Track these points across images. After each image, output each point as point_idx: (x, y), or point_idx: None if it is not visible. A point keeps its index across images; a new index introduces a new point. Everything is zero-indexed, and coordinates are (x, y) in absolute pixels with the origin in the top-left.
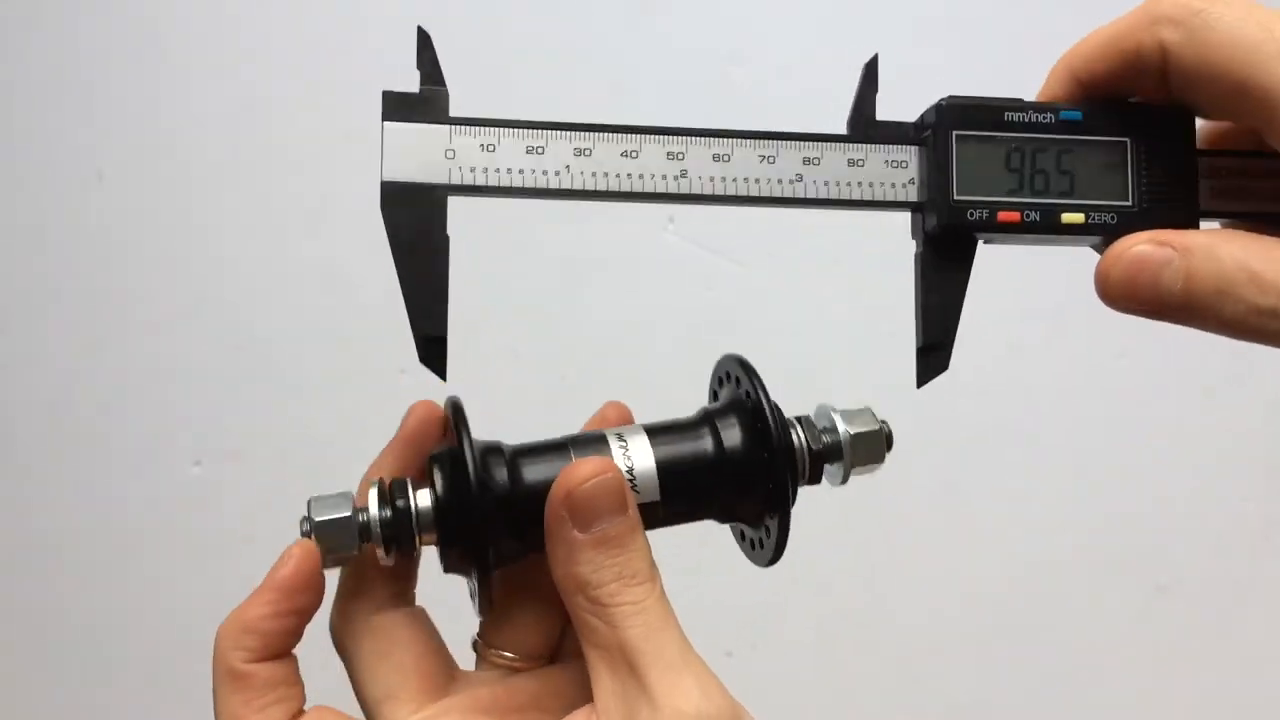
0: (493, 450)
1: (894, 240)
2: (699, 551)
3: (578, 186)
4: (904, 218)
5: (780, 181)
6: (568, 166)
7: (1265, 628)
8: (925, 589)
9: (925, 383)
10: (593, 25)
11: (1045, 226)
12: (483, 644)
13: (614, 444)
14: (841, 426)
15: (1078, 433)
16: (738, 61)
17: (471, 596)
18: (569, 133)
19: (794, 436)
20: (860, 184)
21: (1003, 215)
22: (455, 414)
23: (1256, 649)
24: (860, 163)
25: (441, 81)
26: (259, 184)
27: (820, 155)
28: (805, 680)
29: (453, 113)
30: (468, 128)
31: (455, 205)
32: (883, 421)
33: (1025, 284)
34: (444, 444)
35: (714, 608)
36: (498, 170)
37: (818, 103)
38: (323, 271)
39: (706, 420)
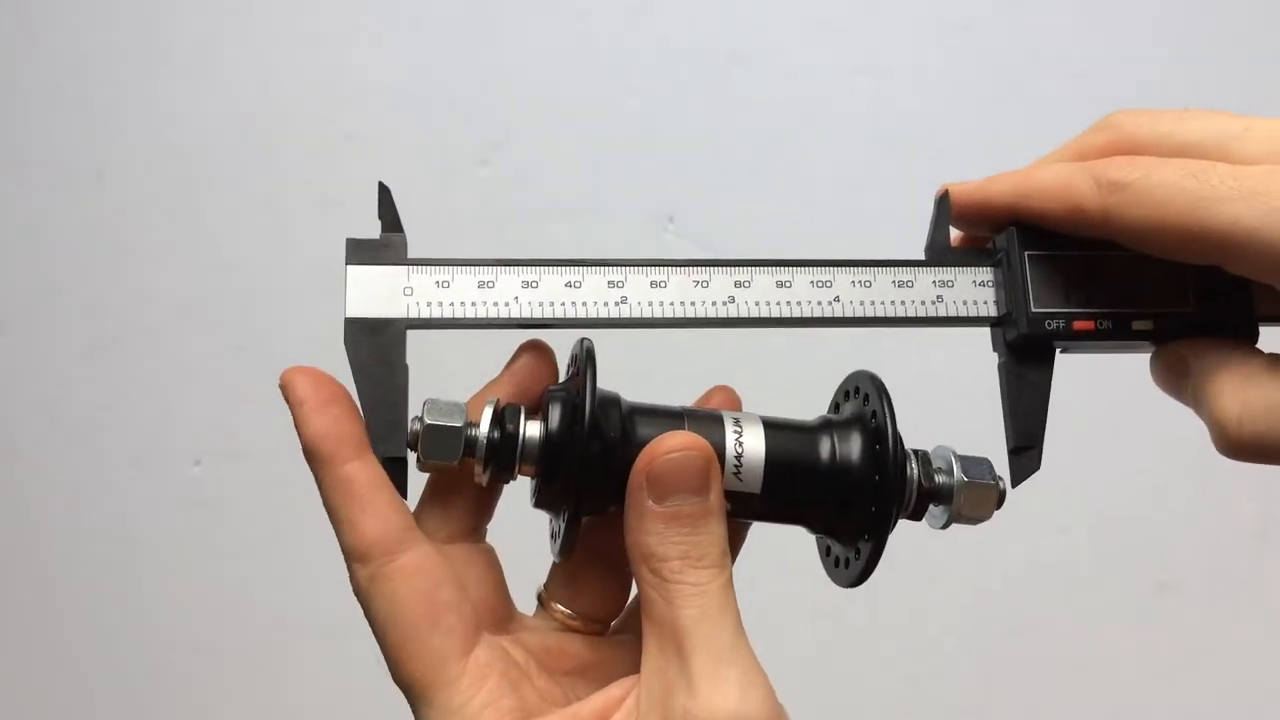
0: (611, 401)
1: (894, 241)
2: None
3: (526, 315)
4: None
5: (867, 302)
6: (516, 298)
7: (1265, 628)
8: (925, 589)
9: (1020, 482)
10: (593, 24)
11: (1119, 334)
12: (546, 595)
13: (729, 426)
14: (958, 472)
15: (1078, 433)
16: (740, 62)
17: (553, 538)
18: (517, 267)
19: (909, 468)
20: (948, 302)
21: (1078, 324)
22: (587, 356)
23: (1256, 649)
24: (950, 284)
25: (399, 228)
26: (259, 184)
27: (913, 279)
28: (805, 681)
29: (412, 250)
30: (425, 267)
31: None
32: (999, 478)
33: None
34: (563, 384)
35: None
36: (452, 304)
37: (818, 108)
38: (323, 271)
39: (826, 428)
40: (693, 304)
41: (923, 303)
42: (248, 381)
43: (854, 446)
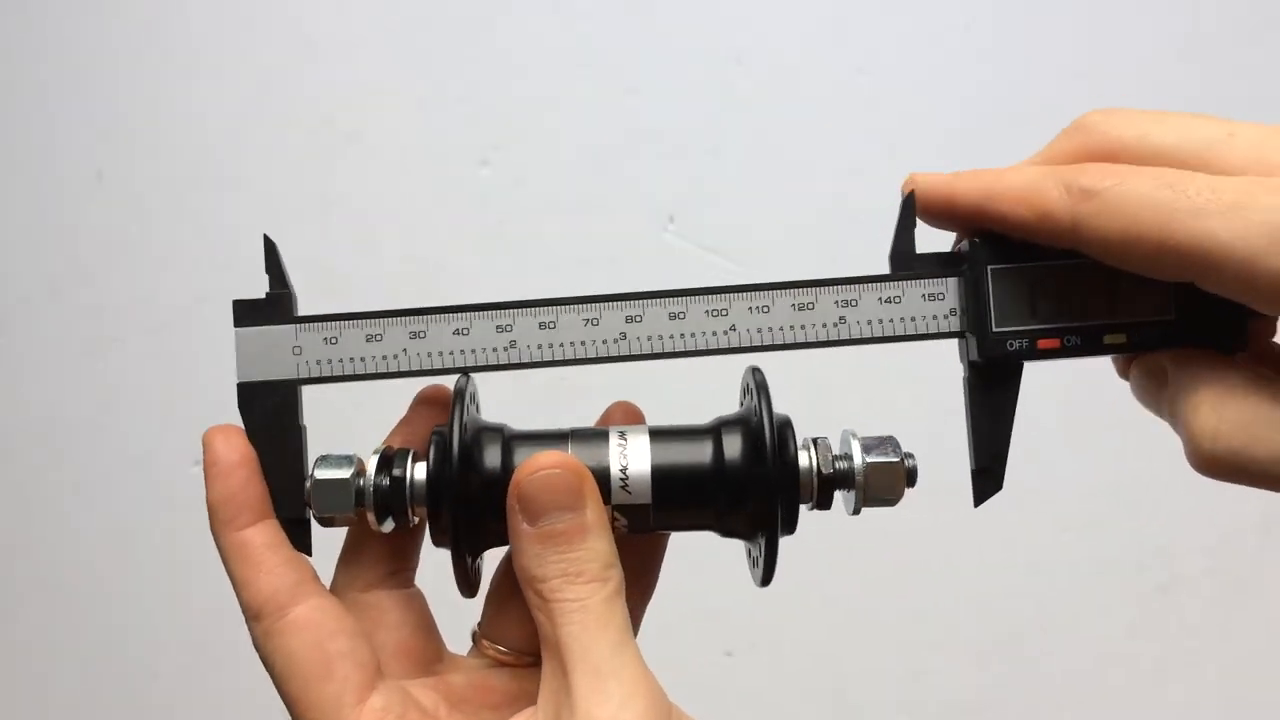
0: (490, 430)
1: (890, 242)
2: (699, 552)
3: (415, 367)
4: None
5: (820, 326)
6: (405, 350)
7: (1265, 628)
8: (924, 588)
9: (982, 502)
10: (593, 24)
11: (1088, 349)
12: (479, 632)
13: (614, 441)
14: (858, 455)
15: (1078, 432)
16: (740, 62)
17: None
18: (404, 318)
19: (803, 457)
20: (902, 319)
21: (1043, 343)
22: (455, 392)
23: (1256, 649)
24: (897, 300)
25: (286, 285)
26: (259, 184)
27: (858, 298)
28: (805, 680)
29: (300, 306)
30: (313, 324)
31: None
32: (906, 455)
33: None
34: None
35: (714, 608)
36: (341, 360)
37: (818, 108)
38: (323, 271)
39: (714, 430)
40: (583, 343)
41: (879, 321)
42: None
43: (738, 443)
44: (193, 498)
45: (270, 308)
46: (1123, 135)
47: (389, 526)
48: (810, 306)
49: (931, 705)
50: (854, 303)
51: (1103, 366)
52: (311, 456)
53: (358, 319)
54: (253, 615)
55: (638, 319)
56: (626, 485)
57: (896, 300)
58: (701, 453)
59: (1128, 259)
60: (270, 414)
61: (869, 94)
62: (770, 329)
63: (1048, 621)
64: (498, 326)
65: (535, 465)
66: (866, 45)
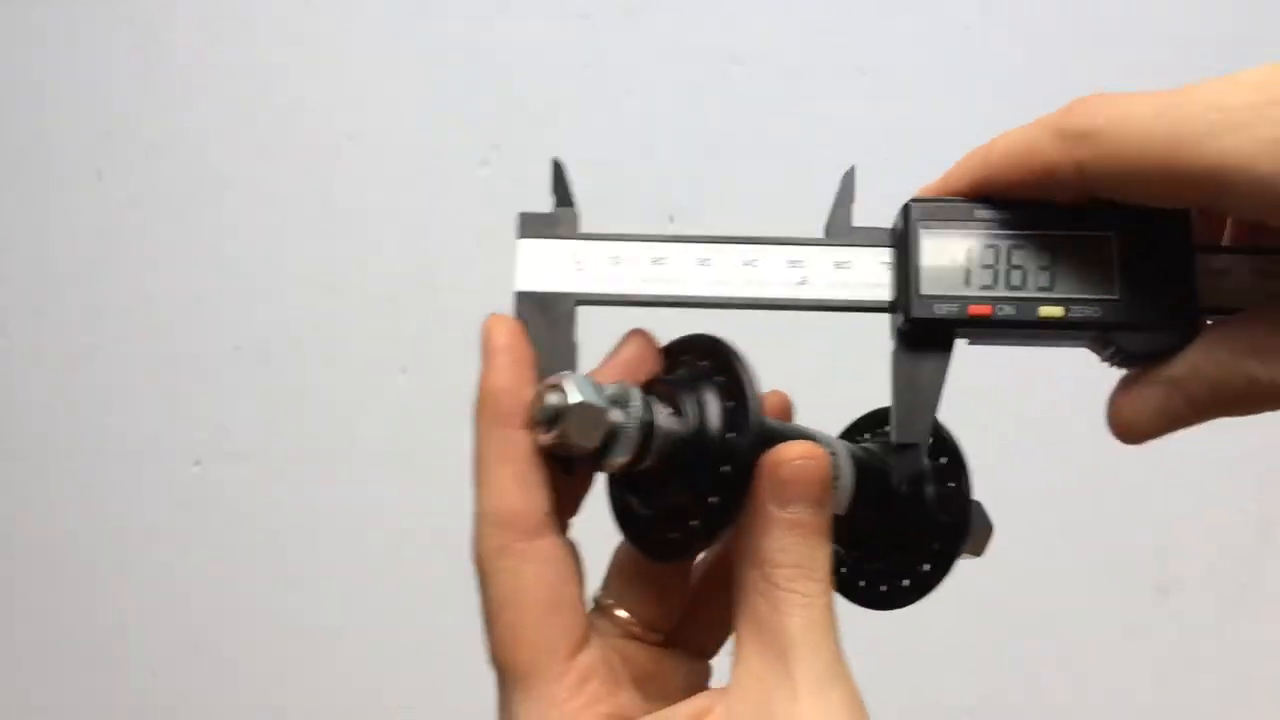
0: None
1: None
2: None
3: (700, 294)
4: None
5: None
6: (690, 276)
7: (1265, 628)
8: None
9: (901, 481)
10: (593, 24)
11: (1021, 321)
12: (604, 598)
13: (822, 443)
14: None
15: (1078, 432)
16: (740, 62)
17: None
18: (691, 244)
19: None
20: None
21: (973, 309)
22: (732, 352)
23: (1256, 649)
24: (848, 264)
25: (571, 203)
26: (259, 184)
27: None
28: None
29: (582, 228)
30: (596, 242)
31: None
32: (989, 521)
33: None
34: (685, 377)
35: None
36: (623, 280)
37: (818, 108)
38: (323, 271)
39: (919, 481)
40: (877, 285)
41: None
42: (248, 381)
43: (928, 487)
44: (193, 498)
45: (555, 223)
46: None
47: (619, 468)
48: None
49: (931, 705)
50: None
51: (1101, 368)
52: None
53: (645, 240)
54: (499, 524)
55: (800, 263)
56: (834, 491)
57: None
58: (889, 482)
59: (1143, 192)
60: (544, 328)
61: (869, 94)
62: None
63: (1048, 622)
64: (790, 261)
65: (796, 451)
66: (867, 45)
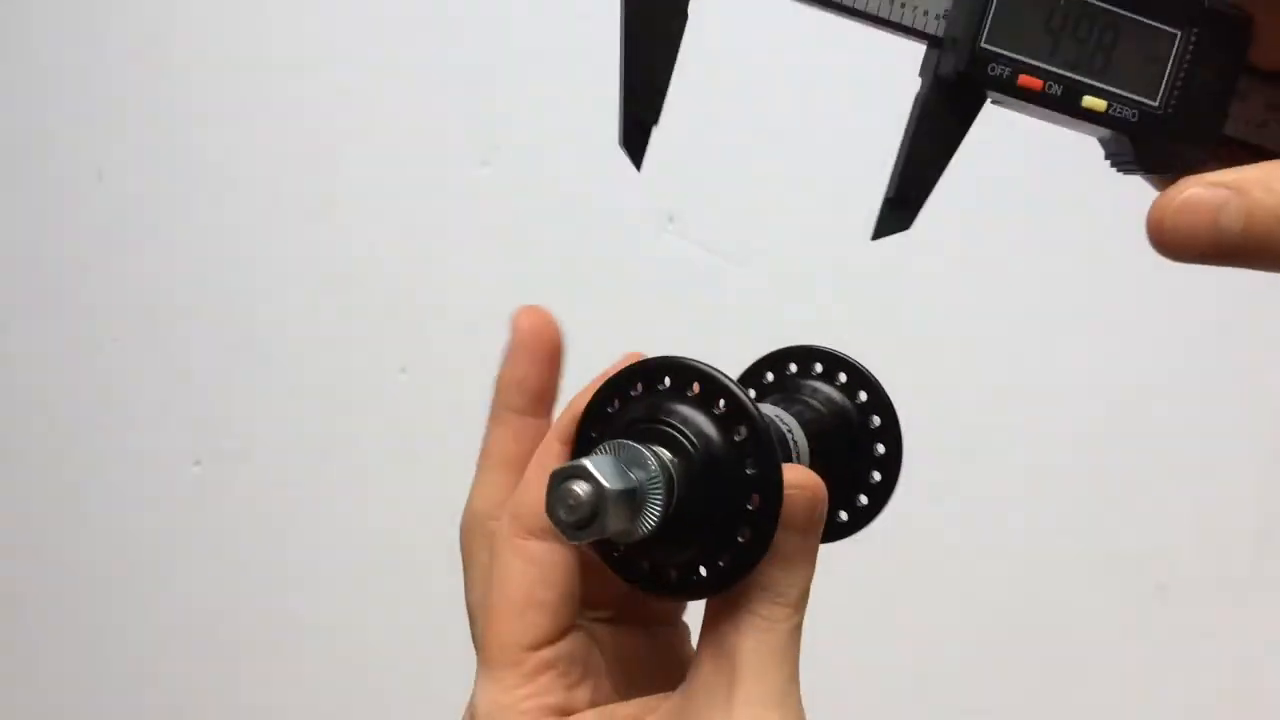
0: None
1: (893, 242)
2: None
3: (881, 13)
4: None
5: None
6: None
7: (1265, 628)
8: (924, 589)
9: (881, 236)
10: (593, 25)
11: (1063, 104)
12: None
13: (784, 427)
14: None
15: (1077, 433)
16: (739, 62)
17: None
18: None
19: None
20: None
21: (1024, 79)
22: (722, 378)
23: (1256, 649)
24: None
25: None
26: (259, 183)
27: None
28: (803, 681)
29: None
30: None
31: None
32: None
33: (1025, 284)
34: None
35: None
36: None
37: (818, 107)
38: (323, 271)
39: (847, 416)
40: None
41: None
42: (248, 381)
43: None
44: (193, 498)
45: None
46: None
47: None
48: None
49: (930, 705)
50: None
51: (1105, 365)
52: None
53: None
54: (489, 515)
55: None
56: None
57: None
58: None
59: None
60: (648, 26)
61: (869, 93)
62: None
63: (1047, 622)
64: None
65: (790, 480)
66: (867, 45)
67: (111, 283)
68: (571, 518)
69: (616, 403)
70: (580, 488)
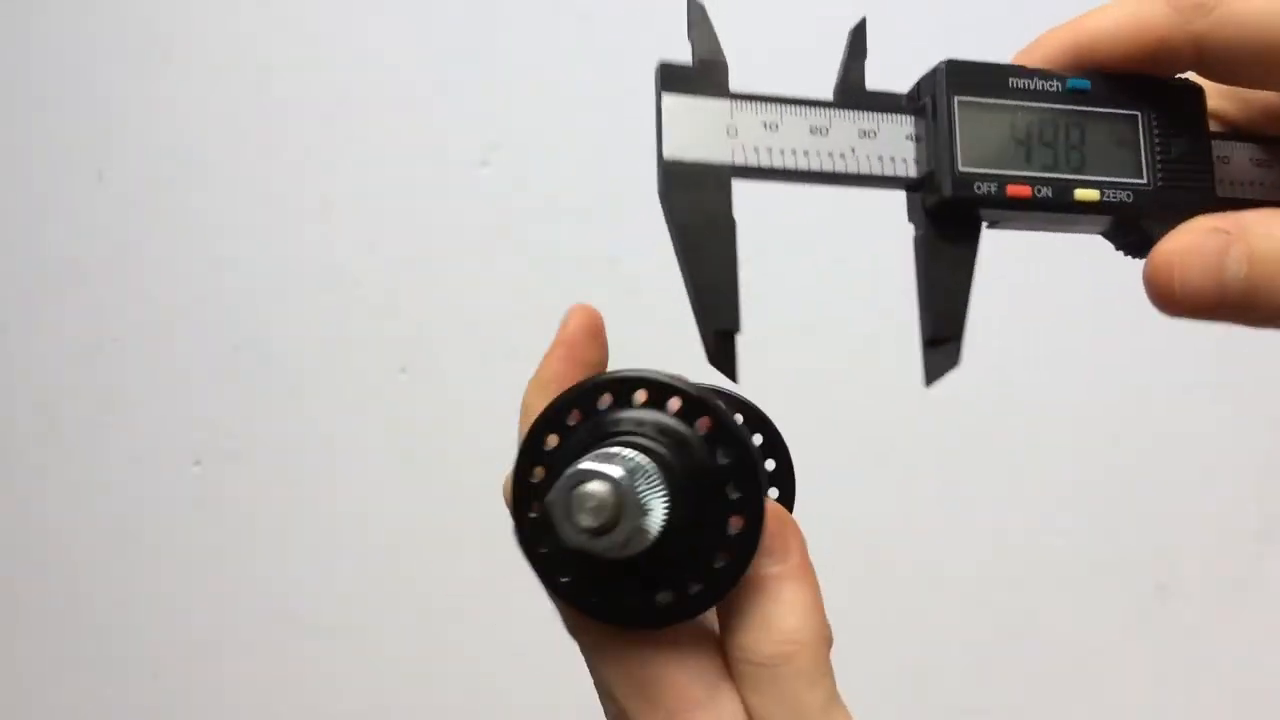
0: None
1: (893, 241)
2: None
3: (864, 171)
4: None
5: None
6: (852, 149)
7: (1265, 628)
8: (924, 588)
9: (935, 380)
10: (593, 25)
11: (1057, 204)
12: None
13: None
14: None
15: (1078, 433)
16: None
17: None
18: (855, 113)
19: None
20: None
21: (1012, 189)
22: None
23: (1256, 649)
24: (873, 134)
25: (720, 54)
26: (259, 183)
27: (828, 125)
28: None
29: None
30: (749, 103)
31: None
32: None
33: (1025, 285)
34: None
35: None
36: (781, 151)
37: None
38: (323, 271)
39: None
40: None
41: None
42: (248, 381)
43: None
44: (193, 498)
45: (702, 76)
46: None
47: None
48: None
49: (930, 705)
50: (824, 130)
51: (1104, 365)
52: None
53: (802, 104)
54: None
55: (823, 131)
56: None
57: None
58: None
59: (1263, 76)
60: (698, 204)
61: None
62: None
63: (1048, 621)
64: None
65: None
66: (868, 44)
67: (111, 283)
68: (596, 521)
69: (576, 416)
70: (598, 487)
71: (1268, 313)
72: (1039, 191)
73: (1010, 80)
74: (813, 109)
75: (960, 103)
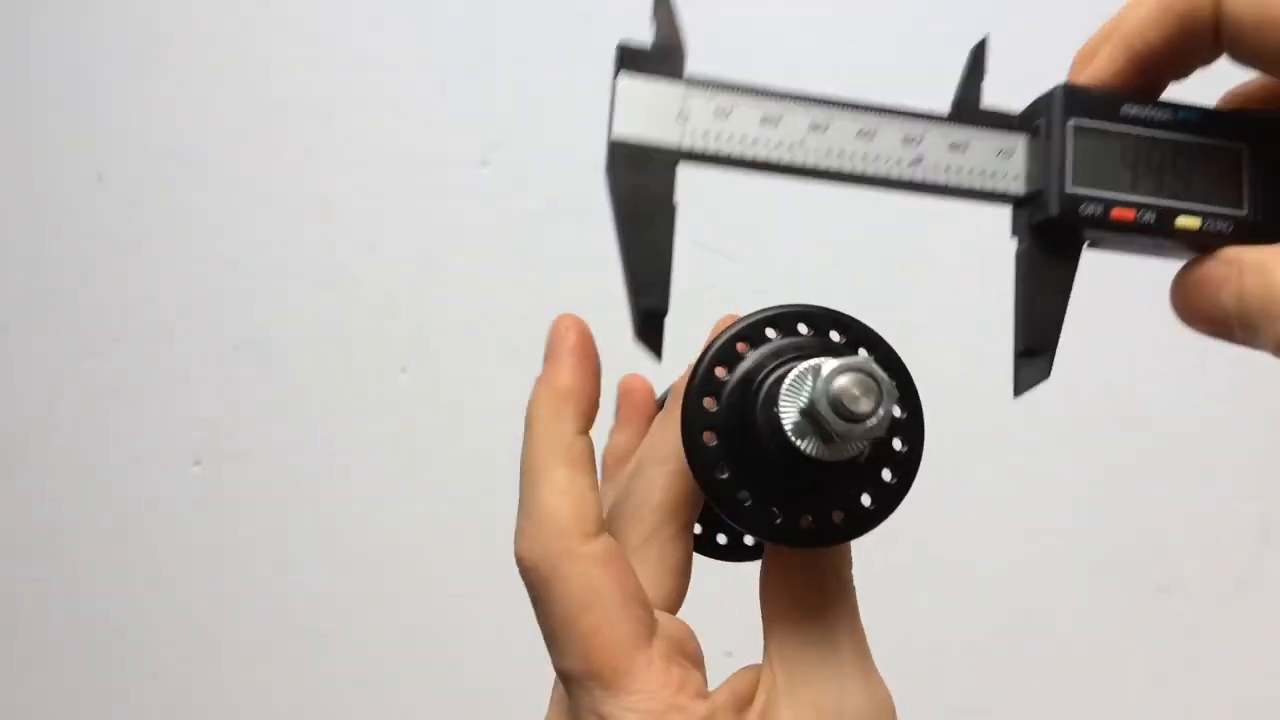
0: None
1: (893, 239)
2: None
3: (812, 163)
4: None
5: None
6: (802, 141)
7: (1265, 628)
8: (924, 589)
9: (1023, 392)
10: (593, 25)
11: (1159, 228)
12: None
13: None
14: None
15: (1078, 433)
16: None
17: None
18: (809, 105)
19: None
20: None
21: (1117, 212)
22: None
23: (1256, 649)
24: (963, 147)
25: (679, 39)
26: (259, 183)
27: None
28: None
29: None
30: (703, 89)
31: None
32: None
33: None
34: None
35: (714, 608)
36: (730, 138)
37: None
38: (323, 271)
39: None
40: (994, 175)
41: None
42: (248, 381)
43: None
44: (193, 498)
45: (659, 59)
46: None
47: None
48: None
49: (930, 705)
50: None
51: (1104, 365)
52: None
53: (757, 94)
54: (560, 527)
55: (916, 140)
56: None
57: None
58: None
59: (1275, 47)
60: (643, 185)
61: (870, 89)
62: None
63: (1048, 621)
64: (905, 138)
65: None
66: (868, 44)
67: (111, 283)
68: (869, 404)
69: (743, 347)
70: (869, 367)
71: (1252, 342)
72: (1143, 215)
73: (1123, 108)
74: (769, 99)
75: (1074, 126)
